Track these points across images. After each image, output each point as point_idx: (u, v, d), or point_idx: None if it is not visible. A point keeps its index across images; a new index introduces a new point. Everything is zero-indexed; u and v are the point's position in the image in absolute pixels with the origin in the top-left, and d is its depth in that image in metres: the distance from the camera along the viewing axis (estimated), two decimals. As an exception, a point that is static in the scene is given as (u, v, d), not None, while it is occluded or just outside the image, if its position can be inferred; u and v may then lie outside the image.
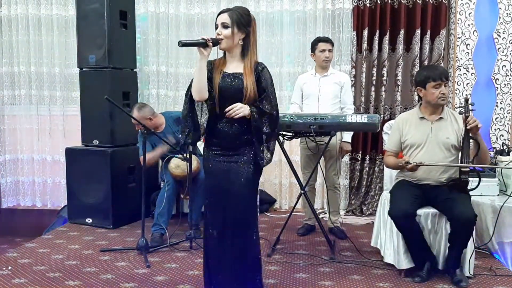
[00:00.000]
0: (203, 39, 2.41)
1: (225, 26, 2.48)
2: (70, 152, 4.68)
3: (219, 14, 2.52)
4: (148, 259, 3.53)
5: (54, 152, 5.35)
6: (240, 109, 2.46)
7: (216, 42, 2.47)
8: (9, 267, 3.44)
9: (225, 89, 2.50)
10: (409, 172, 3.22)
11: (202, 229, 4.20)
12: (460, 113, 3.18)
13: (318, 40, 4.15)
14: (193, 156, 4.01)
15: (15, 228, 5.24)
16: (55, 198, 5.38)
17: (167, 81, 5.21)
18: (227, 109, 2.47)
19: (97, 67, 4.51)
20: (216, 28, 2.51)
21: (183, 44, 2.41)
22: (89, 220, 4.57)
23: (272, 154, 2.61)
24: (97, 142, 4.56)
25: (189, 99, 2.53)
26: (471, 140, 3.12)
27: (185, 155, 3.81)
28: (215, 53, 2.63)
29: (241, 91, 2.49)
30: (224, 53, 2.61)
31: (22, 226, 5.23)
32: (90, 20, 4.48)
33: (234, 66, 2.56)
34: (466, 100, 3.15)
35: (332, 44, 4.16)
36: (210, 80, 2.53)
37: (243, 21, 2.49)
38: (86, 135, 4.64)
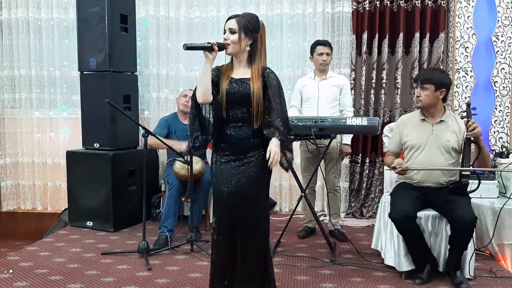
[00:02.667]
0: (208, 43, 2.43)
1: (232, 31, 2.49)
2: (71, 155, 4.69)
3: (227, 20, 2.54)
4: (149, 261, 3.54)
5: (54, 155, 5.34)
6: (277, 157, 2.43)
7: (222, 46, 2.48)
8: (10, 271, 3.44)
9: (232, 94, 2.51)
10: (406, 174, 3.25)
11: (203, 232, 4.25)
12: (462, 117, 3.20)
13: (316, 43, 4.17)
14: (198, 159, 4.04)
15: (15, 232, 5.24)
16: (56, 201, 5.37)
17: (168, 84, 5.22)
18: (270, 162, 2.42)
19: (97, 71, 4.53)
20: (224, 33, 2.53)
21: (187, 47, 2.41)
22: (89, 223, 4.57)
23: (292, 153, 2.67)
24: (98, 145, 4.57)
25: (195, 102, 2.54)
26: (472, 144, 3.14)
27: (186, 158, 3.82)
28: (225, 58, 2.64)
29: (248, 97, 2.50)
30: (232, 59, 2.62)
31: (23, 230, 5.23)
32: (91, 24, 4.49)
33: (242, 72, 2.57)
34: (468, 104, 3.17)
35: (331, 47, 4.17)
36: (216, 85, 2.54)
37: (250, 27, 2.51)
38: (86, 138, 4.65)
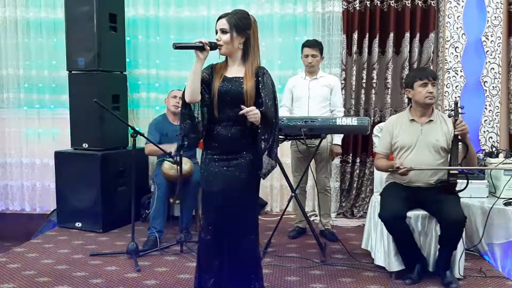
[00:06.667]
0: (200, 42, 2.39)
1: (223, 31, 2.46)
2: (59, 156, 4.64)
3: (218, 19, 2.50)
4: (139, 263, 3.51)
5: (43, 155, 5.29)
6: (255, 115, 2.40)
7: (214, 46, 2.44)
8: (-3, 272, 3.41)
9: (224, 93, 2.48)
10: (400, 174, 3.24)
11: (193, 232, 4.23)
12: (449, 116, 3.20)
13: (303, 45, 4.16)
14: (186, 159, 4.01)
15: (3, 233, 5.18)
16: (44, 202, 5.32)
17: (157, 84, 5.19)
18: (244, 110, 2.39)
19: (86, 70, 4.49)
20: (216, 33, 2.49)
21: (177, 47, 2.36)
22: (78, 224, 4.53)
23: (275, 160, 2.54)
24: (87, 145, 4.53)
25: (185, 101, 2.51)
26: (459, 143, 3.14)
27: (175, 158, 3.79)
28: (219, 58, 2.62)
29: (241, 96, 2.46)
30: (226, 58, 2.59)
31: (11, 231, 5.17)
32: (80, 23, 4.45)
33: (235, 70, 2.53)
34: (456, 103, 3.17)
35: (319, 49, 4.11)
36: (209, 83, 2.51)
37: (241, 24, 2.47)
38: (75, 138, 4.61)
